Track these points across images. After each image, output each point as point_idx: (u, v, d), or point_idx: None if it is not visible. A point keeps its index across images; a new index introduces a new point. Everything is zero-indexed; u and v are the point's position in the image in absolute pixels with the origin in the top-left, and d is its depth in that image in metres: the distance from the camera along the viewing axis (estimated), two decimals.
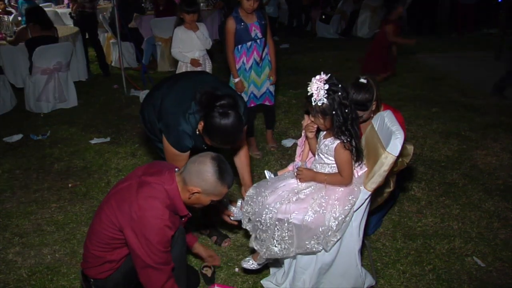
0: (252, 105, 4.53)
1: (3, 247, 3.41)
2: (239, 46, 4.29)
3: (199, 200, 2.31)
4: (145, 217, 2.16)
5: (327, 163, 2.56)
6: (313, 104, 2.37)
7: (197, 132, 2.64)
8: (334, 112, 2.38)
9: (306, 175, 2.57)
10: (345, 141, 2.43)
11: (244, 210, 2.73)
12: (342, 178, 2.49)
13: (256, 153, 4.68)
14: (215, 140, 2.55)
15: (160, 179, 2.29)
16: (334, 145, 2.46)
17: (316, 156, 2.65)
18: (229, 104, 2.48)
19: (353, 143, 2.45)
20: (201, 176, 2.24)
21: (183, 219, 2.45)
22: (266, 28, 4.33)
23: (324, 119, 2.42)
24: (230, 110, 2.46)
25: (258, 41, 4.29)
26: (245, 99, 4.43)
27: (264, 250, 2.58)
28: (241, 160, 3.10)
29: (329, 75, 2.38)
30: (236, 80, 4.33)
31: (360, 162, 2.53)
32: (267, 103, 4.59)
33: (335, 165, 2.52)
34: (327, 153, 2.52)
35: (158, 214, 2.18)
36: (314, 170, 2.62)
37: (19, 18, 8.49)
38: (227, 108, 2.46)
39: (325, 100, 2.35)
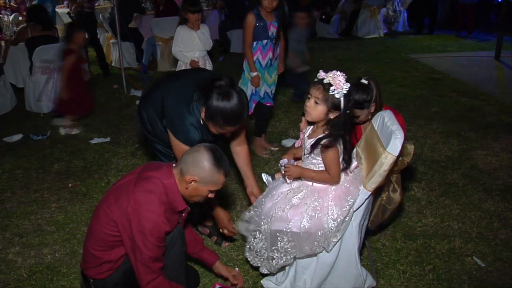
0: (268, 104, 4.59)
1: (3, 247, 3.41)
2: (254, 43, 4.33)
3: (197, 190, 2.30)
4: (140, 210, 2.17)
5: (313, 163, 2.55)
6: (330, 93, 2.36)
7: (201, 122, 2.64)
8: (342, 112, 2.39)
9: (293, 171, 2.56)
10: (334, 136, 2.43)
11: (251, 228, 2.72)
12: (330, 176, 2.48)
13: (262, 152, 4.72)
14: (218, 122, 2.49)
15: (158, 173, 2.30)
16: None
17: (303, 157, 2.64)
18: (228, 83, 2.48)
19: (342, 144, 2.46)
20: (196, 164, 2.24)
21: (183, 214, 2.45)
22: (281, 29, 4.38)
23: (329, 111, 2.41)
24: (229, 89, 2.46)
25: (274, 40, 4.33)
26: (261, 95, 4.52)
27: (268, 262, 2.60)
28: (242, 158, 3.06)
29: (346, 76, 2.40)
30: (254, 74, 4.36)
31: (347, 165, 2.53)
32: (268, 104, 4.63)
33: (322, 165, 2.52)
34: (314, 152, 2.51)
35: (153, 208, 2.19)
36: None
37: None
38: (226, 88, 2.45)
39: (342, 96, 2.36)
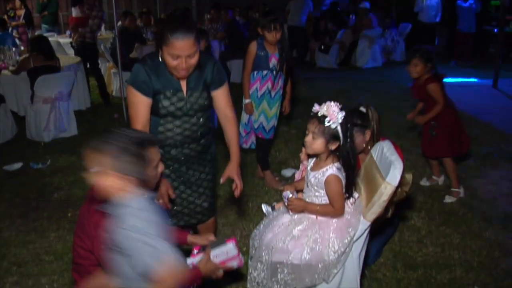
0: (260, 136, 4.55)
1: (1, 277, 3.38)
2: (255, 72, 4.35)
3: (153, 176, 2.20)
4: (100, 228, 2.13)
5: (316, 195, 2.54)
6: (326, 125, 2.37)
7: (160, 58, 2.61)
8: (343, 141, 2.40)
9: (297, 205, 2.54)
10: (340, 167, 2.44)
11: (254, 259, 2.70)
12: (334, 209, 2.47)
13: (277, 184, 4.68)
14: (166, 39, 2.45)
15: None
16: (325, 177, 2.46)
17: (305, 189, 2.63)
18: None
19: (349, 174, 2.46)
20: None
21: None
22: (284, 61, 4.37)
23: (328, 143, 2.41)
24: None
25: (274, 72, 4.34)
26: (255, 126, 4.50)
27: None
28: (228, 133, 2.90)
29: (341, 105, 2.41)
30: (247, 101, 4.38)
31: (349, 195, 2.53)
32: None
33: (324, 197, 2.51)
34: (317, 185, 2.50)
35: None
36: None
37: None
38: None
39: (339, 125, 2.37)
